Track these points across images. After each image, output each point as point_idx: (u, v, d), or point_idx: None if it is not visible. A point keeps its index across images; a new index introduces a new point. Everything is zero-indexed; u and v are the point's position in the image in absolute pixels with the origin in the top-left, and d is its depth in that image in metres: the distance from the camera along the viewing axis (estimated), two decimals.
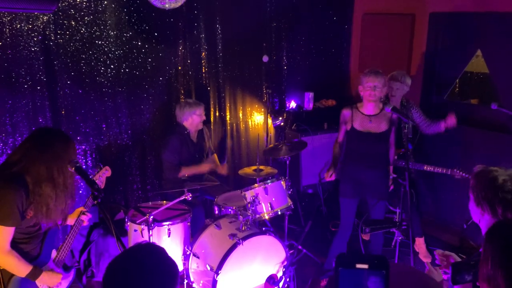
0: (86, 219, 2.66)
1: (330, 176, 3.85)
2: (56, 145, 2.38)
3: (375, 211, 3.69)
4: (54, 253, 2.59)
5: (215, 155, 4.53)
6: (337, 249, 3.79)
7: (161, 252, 1.51)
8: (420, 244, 4.27)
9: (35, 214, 2.35)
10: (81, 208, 2.67)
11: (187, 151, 4.16)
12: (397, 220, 4.33)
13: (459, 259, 2.18)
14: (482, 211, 2.04)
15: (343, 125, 3.71)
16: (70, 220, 2.68)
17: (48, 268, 2.50)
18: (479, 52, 4.47)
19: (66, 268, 2.62)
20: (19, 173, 2.30)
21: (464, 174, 3.78)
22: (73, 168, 2.39)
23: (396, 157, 3.96)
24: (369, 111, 3.59)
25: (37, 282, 2.43)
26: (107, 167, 2.92)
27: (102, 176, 2.86)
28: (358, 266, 1.29)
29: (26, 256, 2.40)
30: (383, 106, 3.56)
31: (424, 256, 4.24)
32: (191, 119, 4.14)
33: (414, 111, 4.25)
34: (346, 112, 3.66)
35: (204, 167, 4.22)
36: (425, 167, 3.99)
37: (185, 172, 3.98)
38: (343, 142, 3.77)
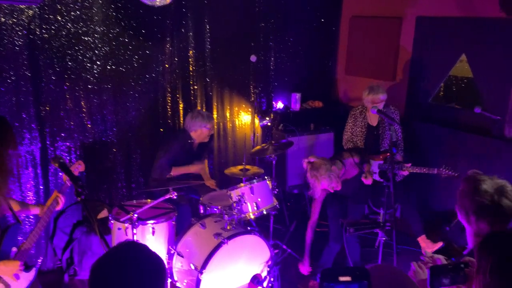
0: (62, 202, 2.64)
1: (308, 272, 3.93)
2: None
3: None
4: (14, 250, 2.50)
5: (206, 160, 4.51)
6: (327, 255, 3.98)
7: (144, 249, 1.49)
8: (424, 241, 4.12)
9: None
10: (55, 193, 2.65)
11: (185, 157, 4.14)
12: (380, 220, 4.35)
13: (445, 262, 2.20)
14: (462, 215, 2.08)
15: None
16: (41, 211, 2.65)
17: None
18: (463, 57, 4.54)
19: (27, 267, 2.52)
20: None
21: (450, 172, 3.78)
22: (57, 164, 2.35)
23: (382, 162, 3.97)
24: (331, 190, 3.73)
25: None
26: (80, 162, 2.90)
27: (75, 170, 2.83)
28: (341, 279, 1.30)
29: None
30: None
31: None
32: (200, 131, 4.12)
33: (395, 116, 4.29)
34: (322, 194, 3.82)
35: (192, 168, 4.18)
36: (410, 169, 3.98)
37: (174, 173, 3.94)
38: None
